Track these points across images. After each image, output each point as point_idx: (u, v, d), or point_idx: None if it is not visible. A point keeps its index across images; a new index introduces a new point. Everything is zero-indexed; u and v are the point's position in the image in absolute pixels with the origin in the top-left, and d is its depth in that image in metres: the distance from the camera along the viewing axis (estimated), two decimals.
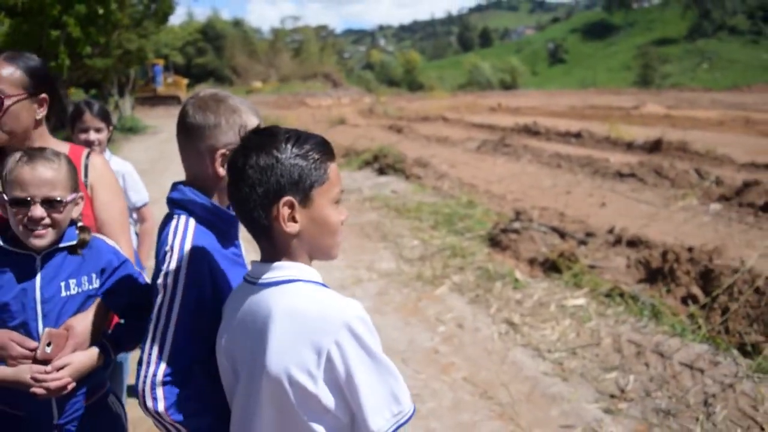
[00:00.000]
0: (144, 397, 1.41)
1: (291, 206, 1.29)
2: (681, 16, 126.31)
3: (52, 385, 1.60)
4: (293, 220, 1.30)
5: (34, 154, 1.65)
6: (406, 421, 1.29)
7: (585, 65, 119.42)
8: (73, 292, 1.70)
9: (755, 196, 8.72)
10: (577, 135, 18.17)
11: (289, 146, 1.29)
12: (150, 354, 1.43)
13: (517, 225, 7.09)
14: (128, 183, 3.26)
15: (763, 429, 3.37)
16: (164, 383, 1.41)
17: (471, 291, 5.59)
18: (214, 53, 67.66)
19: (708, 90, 55.92)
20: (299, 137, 1.31)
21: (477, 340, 4.65)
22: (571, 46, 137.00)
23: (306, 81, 68.27)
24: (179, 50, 42.11)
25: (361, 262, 6.60)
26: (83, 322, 1.70)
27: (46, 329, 1.63)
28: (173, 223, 1.54)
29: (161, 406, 1.40)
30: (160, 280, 1.46)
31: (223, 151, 1.55)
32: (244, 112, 1.58)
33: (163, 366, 1.41)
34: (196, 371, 1.45)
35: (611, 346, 4.40)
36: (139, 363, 1.44)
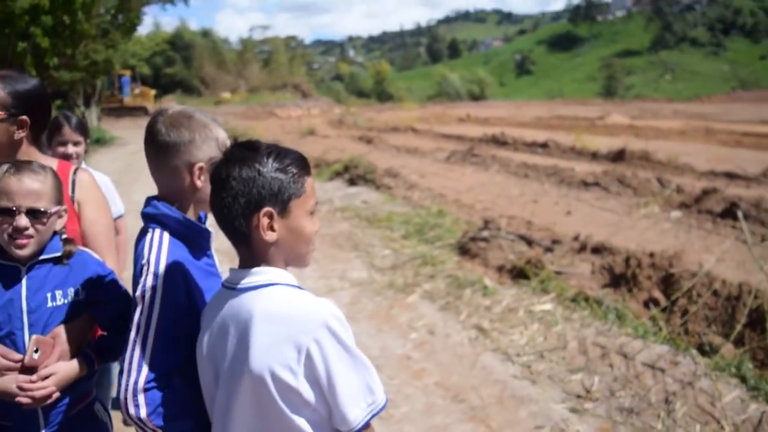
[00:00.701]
0: (126, 404, 1.45)
1: (270, 216, 1.37)
2: (644, 29, 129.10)
3: (37, 394, 1.63)
4: (272, 229, 1.38)
5: (21, 165, 1.71)
6: (380, 411, 1.39)
7: (551, 76, 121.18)
8: (59, 303, 1.74)
9: (713, 203, 9.03)
10: (544, 145, 18.47)
11: (270, 160, 1.37)
12: (131, 363, 1.48)
13: (485, 233, 7.23)
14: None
15: (720, 424, 3.54)
16: (146, 390, 1.46)
17: (441, 298, 5.70)
18: (182, 63, 66.80)
19: (670, 101, 57.38)
20: (279, 152, 1.40)
21: (448, 345, 4.76)
22: (537, 58, 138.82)
23: (275, 92, 68.01)
24: (146, 61, 41.52)
25: (334, 271, 6.67)
26: (69, 331, 1.74)
27: (34, 336, 1.67)
28: (148, 237, 1.59)
29: (143, 413, 1.45)
30: (138, 293, 1.52)
31: (200, 164, 1.61)
32: (213, 126, 1.66)
33: (144, 374, 1.46)
34: (176, 378, 1.51)
35: (577, 349, 4.55)
36: (120, 372, 1.49)
